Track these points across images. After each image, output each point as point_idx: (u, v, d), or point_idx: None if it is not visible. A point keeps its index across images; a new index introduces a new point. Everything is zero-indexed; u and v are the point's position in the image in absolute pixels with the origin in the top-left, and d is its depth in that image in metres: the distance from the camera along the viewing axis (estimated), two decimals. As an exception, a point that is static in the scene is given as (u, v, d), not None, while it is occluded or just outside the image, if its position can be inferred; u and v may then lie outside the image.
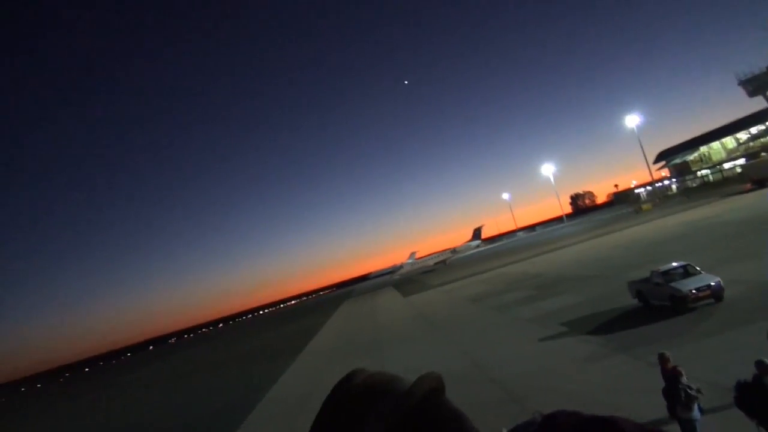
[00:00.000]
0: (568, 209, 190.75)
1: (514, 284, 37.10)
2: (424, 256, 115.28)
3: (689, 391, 8.24)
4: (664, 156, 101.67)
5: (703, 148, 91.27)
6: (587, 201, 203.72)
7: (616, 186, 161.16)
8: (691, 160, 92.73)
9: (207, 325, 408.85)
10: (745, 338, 12.38)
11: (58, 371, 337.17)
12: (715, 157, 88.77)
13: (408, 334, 30.16)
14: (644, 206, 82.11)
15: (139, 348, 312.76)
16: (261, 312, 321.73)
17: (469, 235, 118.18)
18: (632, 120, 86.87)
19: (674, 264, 17.68)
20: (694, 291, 16.01)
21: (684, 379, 8.31)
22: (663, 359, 8.89)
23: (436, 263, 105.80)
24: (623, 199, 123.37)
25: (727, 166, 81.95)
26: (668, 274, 17.17)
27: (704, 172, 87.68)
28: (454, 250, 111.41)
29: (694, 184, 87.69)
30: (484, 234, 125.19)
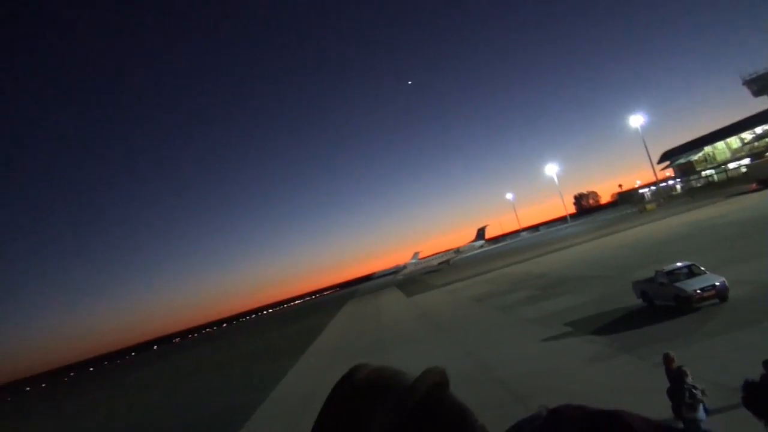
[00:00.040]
0: (572, 209, 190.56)
1: (517, 284, 37.06)
2: (428, 257, 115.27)
3: (694, 391, 8.21)
4: (668, 156, 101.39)
5: (708, 148, 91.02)
6: (591, 201, 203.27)
7: (620, 186, 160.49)
8: (696, 160, 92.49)
9: (211, 325, 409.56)
10: (751, 338, 12.35)
11: (62, 371, 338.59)
12: (720, 157, 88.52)
13: (412, 334, 30.15)
14: (648, 206, 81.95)
15: (143, 348, 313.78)
16: (264, 312, 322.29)
17: (473, 235, 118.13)
18: (636, 120, 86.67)
19: (679, 264, 17.65)
20: (698, 291, 15.97)
21: (689, 380, 8.29)
22: (668, 359, 8.87)
23: (439, 263, 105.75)
24: (627, 199, 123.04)
25: (731, 166, 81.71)
26: (673, 274, 17.13)
27: (709, 172, 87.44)
28: (457, 251, 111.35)
29: (699, 184, 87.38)
30: (488, 234, 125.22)
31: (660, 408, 8.81)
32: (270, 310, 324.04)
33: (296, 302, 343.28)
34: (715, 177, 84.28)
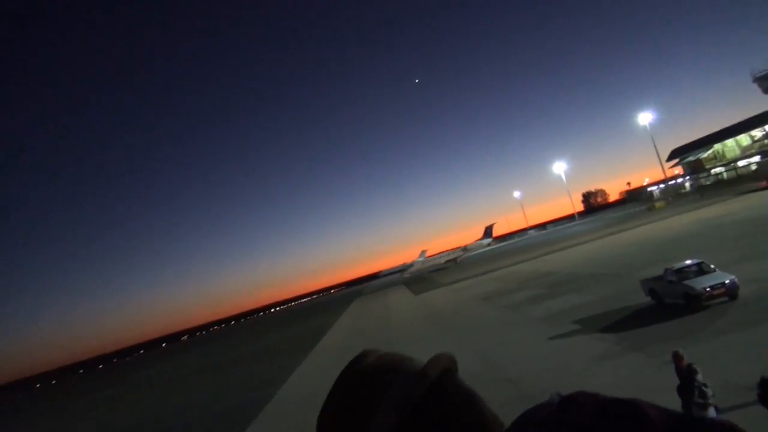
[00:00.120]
0: (580, 207, 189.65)
1: (525, 282, 36.97)
2: (435, 255, 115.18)
3: (704, 389, 8.18)
4: (677, 154, 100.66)
5: (717, 146, 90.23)
6: (599, 199, 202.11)
7: (628, 184, 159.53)
8: (705, 158, 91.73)
9: (219, 322, 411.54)
10: (761, 336, 12.29)
11: (72, 368, 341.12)
12: (730, 155, 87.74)
13: (419, 332, 30.16)
14: (657, 204, 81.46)
15: (151, 345, 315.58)
16: (272, 310, 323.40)
17: (481, 233, 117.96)
18: (645, 117, 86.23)
19: (688, 262, 17.53)
20: (708, 289, 15.87)
21: (699, 378, 8.26)
22: (677, 357, 8.82)
23: (446, 261, 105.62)
24: (636, 197, 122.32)
25: (741, 163, 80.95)
26: (682, 272, 17.03)
27: (718, 169, 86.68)
28: (465, 249, 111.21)
29: (708, 182, 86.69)
30: (496, 232, 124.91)
31: (670, 406, 8.72)
32: (277, 308, 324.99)
33: (303, 300, 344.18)
34: (725, 175, 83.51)
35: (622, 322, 17.67)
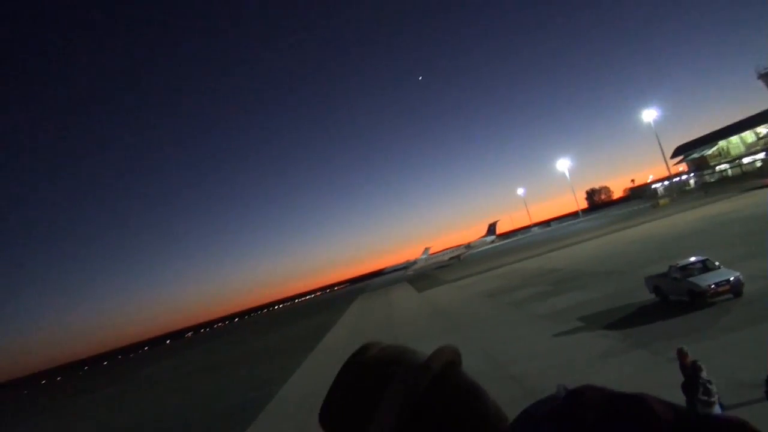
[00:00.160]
0: (584, 205, 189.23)
1: (529, 279, 36.95)
2: (439, 252, 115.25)
3: (709, 386, 8.19)
4: (681, 151, 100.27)
5: (722, 143, 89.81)
6: (603, 196, 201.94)
7: (632, 181, 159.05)
8: (710, 155, 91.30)
9: (222, 319, 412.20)
10: (766, 334, 12.26)
11: (77, 364, 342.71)
12: (734, 152, 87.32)
13: (423, 329, 30.20)
14: (661, 201, 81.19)
15: (156, 342, 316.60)
16: (276, 307, 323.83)
17: (484, 230, 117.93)
18: (649, 114, 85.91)
19: (692, 259, 17.50)
20: (712, 286, 15.85)
21: (704, 375, 8.26)
22: (682, 354, 8.83)
23: (450, 258, 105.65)
24: (640, 194, 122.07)
25: (746, 160, 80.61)
26: (686, 269, 17.00)
27: (723, 166, 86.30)
28: (468, 246, 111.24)
29: (713, 179, 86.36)
30: (499, 230, 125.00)
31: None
32: (280, 306, 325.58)
33: (307, 297, 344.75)
34: (729, 172, 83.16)
35: (627, 320, 17.66)
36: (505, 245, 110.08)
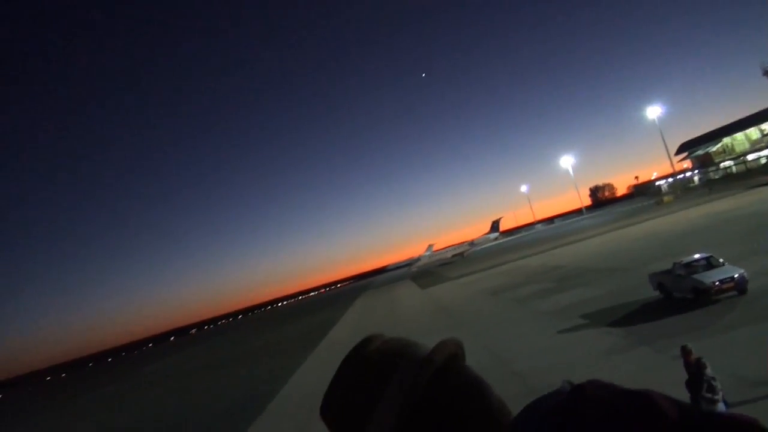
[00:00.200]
0: (588, 202, 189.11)
1: (533, 277, 36.89)
2: (442, 249, 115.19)
3: (713, 383, 8.17)
4: (686, 147, 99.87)
5: (727, 140, 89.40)
6: (607, 193, 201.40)
7: (636, 178, 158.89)
8: (714, 152, 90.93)
9: (226, 316, 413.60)
10: (771, 331, 12.22)
11: (81, 361, 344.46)
12: (739, 149, 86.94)
13: (427, 326, 30.18)
14: (665, 198, 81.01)
15: (160, 339, 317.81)
16: (279, 304, 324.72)
17: (488, 227, 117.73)
18: (653, 111, 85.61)
19: (697, 256, 17.44)
20: (717, 283, 15.80)
21: (708, 372, 8.25)
22: (686, 351, 8.81)
23: (453, 255, 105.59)
24: (644, 191, 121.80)
25: (751, 157, 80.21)
26: (691, 266, 16.97)
27: (727, 163, 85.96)
28: (471, 243, 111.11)
29: (717, 176, 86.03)
30: (503, 227, 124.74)
31: (678, 400, 8.76)
32: (284, 302, 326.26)
33: (311, 294, 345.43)
34: (734, 168, 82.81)
35: (630, 317, 17.62)
36: (509, 242, 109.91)
